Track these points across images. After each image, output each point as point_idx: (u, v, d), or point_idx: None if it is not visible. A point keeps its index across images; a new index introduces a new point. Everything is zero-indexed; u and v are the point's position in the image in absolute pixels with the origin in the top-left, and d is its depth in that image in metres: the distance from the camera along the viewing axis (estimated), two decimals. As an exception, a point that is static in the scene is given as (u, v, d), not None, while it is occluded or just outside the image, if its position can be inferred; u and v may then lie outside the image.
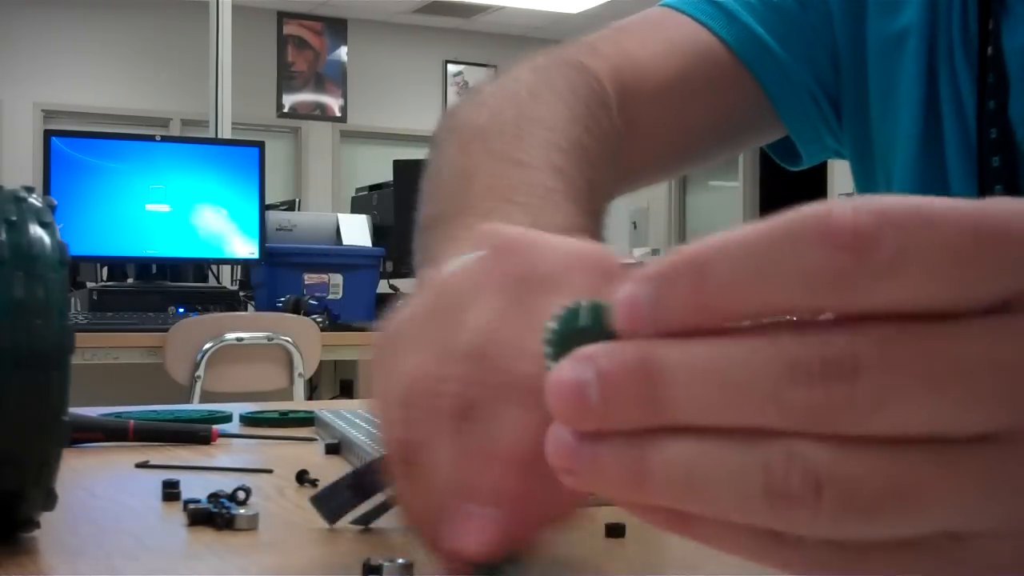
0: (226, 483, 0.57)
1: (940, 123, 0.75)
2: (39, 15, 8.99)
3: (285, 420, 0.93)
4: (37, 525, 0.48)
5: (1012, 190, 0.69)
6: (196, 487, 0.57)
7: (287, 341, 3.05)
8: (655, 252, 7.28)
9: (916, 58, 0.76)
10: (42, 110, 9.07)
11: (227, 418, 0.95)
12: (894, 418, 0.23)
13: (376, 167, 7.90)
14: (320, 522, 0.53)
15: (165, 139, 3.52)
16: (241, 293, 3.64)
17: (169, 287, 3.44)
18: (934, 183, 0.75)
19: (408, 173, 3.95)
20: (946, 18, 0.75)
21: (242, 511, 0.51)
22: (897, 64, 0.78)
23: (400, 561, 0.41)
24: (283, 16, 9.88)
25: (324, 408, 0.94)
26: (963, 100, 0.74)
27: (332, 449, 0.76)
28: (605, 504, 0.57)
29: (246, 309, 3.64)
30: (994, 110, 0.71)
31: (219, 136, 4.28)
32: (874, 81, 0.79)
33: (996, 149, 0.71)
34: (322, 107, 10.06)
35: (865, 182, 0.81)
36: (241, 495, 0.55)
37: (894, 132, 0.77)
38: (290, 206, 4.61)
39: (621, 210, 7.36)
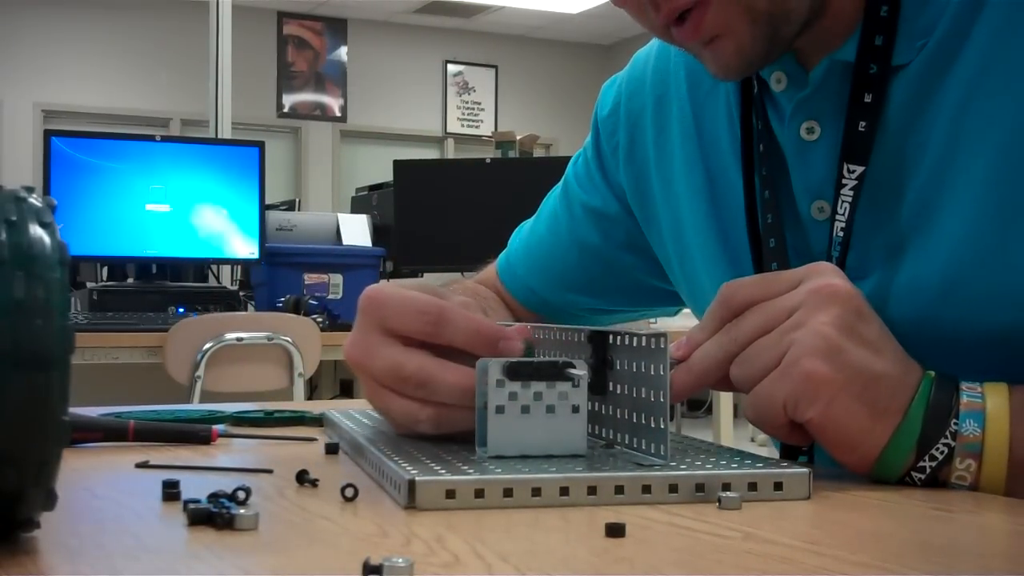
0: (226, 483, 0.57)
1: (724, 223, 0.89)
2: (39, 15, 8.99)
3: (270, 420, 0.93)
4: (37, 525, 0.48)
5: (784, 267, 0.79)
6: (196, 487, 0.57)
7: (287, 341, 3.05)
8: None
9: (688, 181, 0.92)
10: (42, 110, 9.07)
11: (227, 418, 0.95)
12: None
13: (376, 167, 7.91)
14: (320, 522, 0.53)
15: (165, 139, 3.52)
16: (241, 293, 3.64)
17: (169, 287, 3.44)
18: (730, 272, 0.89)
19: (408, 173, 3.95)
20: (711, 133, 0.90)
21: (242, 511, 0.51)
22: (673, 184, 0.94)
23: (400, 561, 0.41)
24: (283, 16, 9.88)
25: (331, 408, 0.94)
26: (741, 194, 0.86)
27: (332, 449, 0.76)
28: (606, 504, 0.57)
29: (246, 309, 3.63)
30: (769, 199, 0.82)
31: (219, 136, 4.28)
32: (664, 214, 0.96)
33: (771, 232, 0.81)
34: (322, 107, 10.06)
35: (689, 291, 0.98)
36: (241, 495, 0.55)
37: (685, 244, 0.94)
38: (290, 206, 4.61)
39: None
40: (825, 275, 0.66)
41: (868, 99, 0.76)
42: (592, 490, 0.58)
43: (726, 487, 0.59)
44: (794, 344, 0.63)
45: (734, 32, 0.74)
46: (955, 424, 0.64)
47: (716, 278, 0.90)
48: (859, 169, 0.76)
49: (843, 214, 0.76)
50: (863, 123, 0.76)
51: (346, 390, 4.17)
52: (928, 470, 0.64)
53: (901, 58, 0.75)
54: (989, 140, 0.72)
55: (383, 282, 0.77)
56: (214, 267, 3.82)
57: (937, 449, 0.64)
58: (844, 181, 0.76)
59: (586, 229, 1.05)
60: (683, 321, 2.44)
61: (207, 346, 2.94)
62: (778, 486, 0.60)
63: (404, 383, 0.70)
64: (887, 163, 0.76)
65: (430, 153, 10.31)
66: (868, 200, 0.76)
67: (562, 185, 1.10)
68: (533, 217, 1.14)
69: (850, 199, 0.76)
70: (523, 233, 1.14)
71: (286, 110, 9.90)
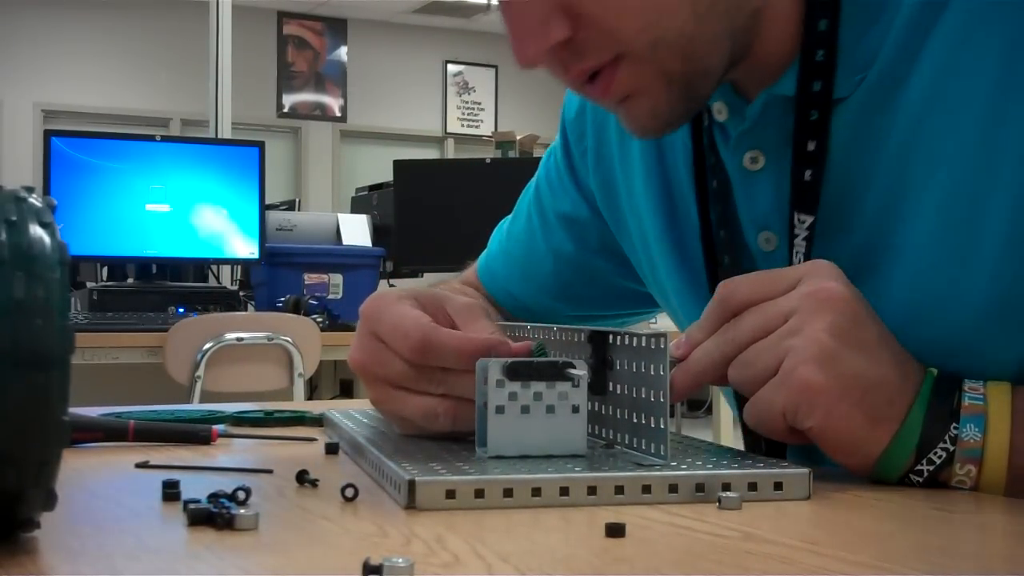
0: (226, 483, 0.57)
1: (683, 244, 0.88)
2: (39, 15, 8.98)
3: (270, 420, 0.93)
4: (37, 525, 0.48)
5: None
6: (196, 487, 0.57)
7: (287, 341, 3.05)
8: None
9: (647, 193, 0.91)
10: (42, 110, 9.07)
11: (227, 418, 0.95)
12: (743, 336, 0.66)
13: (376, 167, 7.90)
14: (320, 522, 0.53)
15: (165, 139, 3.52)
16: (241, 293, 3.64)
17: (169, 287, 3.43)
18: (691, 289, 0.89)
19: (408, 173, 3.95)
20: (670, 151, 0.88)
21: (242, 511, 0.51)
22: (640, 201, 0.93)
23: (400, 561, 0.41)
24: (283, 16, 9.88)
25: (331, 408, 0.94)
26: (698, 224, 0.85)
27: (332, 449, 0.76)
28: (606, 504, 0.57)
29: (246, 309, 3.63)
30: (724, 239, 0.82)
31: (219, 136, 4.28)
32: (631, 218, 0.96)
33: (725, 249, 0.82)
34: (322, 107, 10.06)
35: (660, 295, 0.99)
36: (241, 495, 0.55)
37: (652, 259, 0.94)
38: (290, 206, 4.61)
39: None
40: (823, 277, 0.65)
41: (812, 147, 0.74)
42: (592, 490, 0.58)
43: (726, 487, 0.59)
44: (791, 352, 0.63)
45: (648, 92, 0.72)
46: (955, 428, 0.63)
47: (679, 290, 0.90)
48: (809, 219, 0.75)
49: (799, 263, 0.75)
50: (808, 172, 0.74)
51: (346, 390, 4.17)
52: (926, 473, 0.64)
53: (840, 91, 0.73)
54: (937, 177, 0.70)
55: (386, 289, 0.76)
56: (214, 267, 3.82)
57: (935, 453, 0.63)
58: (796, 232, 0.75)
59: (560, 237, 1.05)
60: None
61: (207, 346, 2.94)
62: (778, 486, 0.60)
63: (421, 381, 0.70)
64: (833, 201, 0.75)
65: (430, 153, 10.31)
66: (821, 240, 0.75)
67: (535, 188, 1.09)
68: (511, 216, 1.13)
69: (803, 249, 0.75)
70: (501, 236, 1.13)
71: (286, 110, 9.90)
